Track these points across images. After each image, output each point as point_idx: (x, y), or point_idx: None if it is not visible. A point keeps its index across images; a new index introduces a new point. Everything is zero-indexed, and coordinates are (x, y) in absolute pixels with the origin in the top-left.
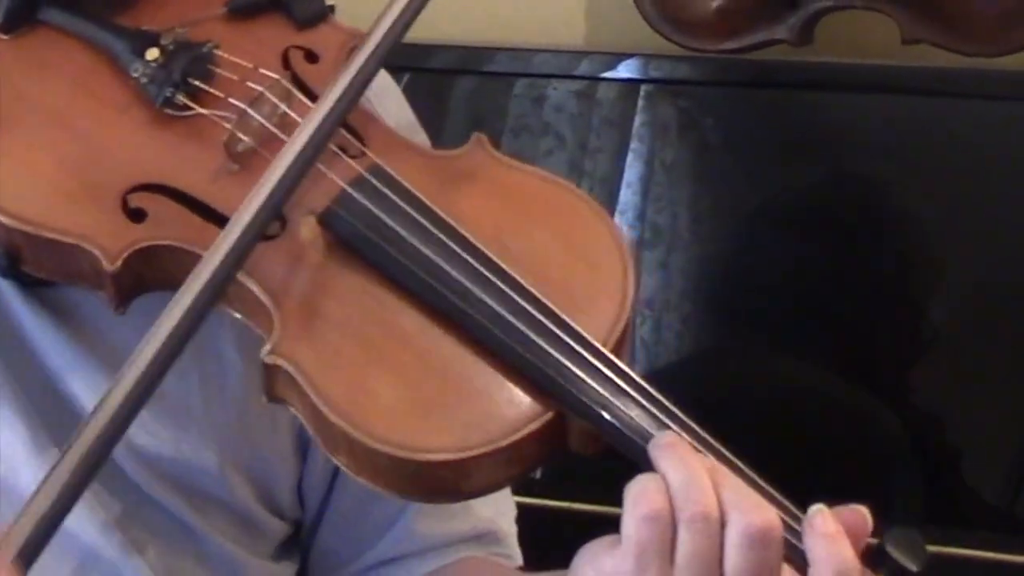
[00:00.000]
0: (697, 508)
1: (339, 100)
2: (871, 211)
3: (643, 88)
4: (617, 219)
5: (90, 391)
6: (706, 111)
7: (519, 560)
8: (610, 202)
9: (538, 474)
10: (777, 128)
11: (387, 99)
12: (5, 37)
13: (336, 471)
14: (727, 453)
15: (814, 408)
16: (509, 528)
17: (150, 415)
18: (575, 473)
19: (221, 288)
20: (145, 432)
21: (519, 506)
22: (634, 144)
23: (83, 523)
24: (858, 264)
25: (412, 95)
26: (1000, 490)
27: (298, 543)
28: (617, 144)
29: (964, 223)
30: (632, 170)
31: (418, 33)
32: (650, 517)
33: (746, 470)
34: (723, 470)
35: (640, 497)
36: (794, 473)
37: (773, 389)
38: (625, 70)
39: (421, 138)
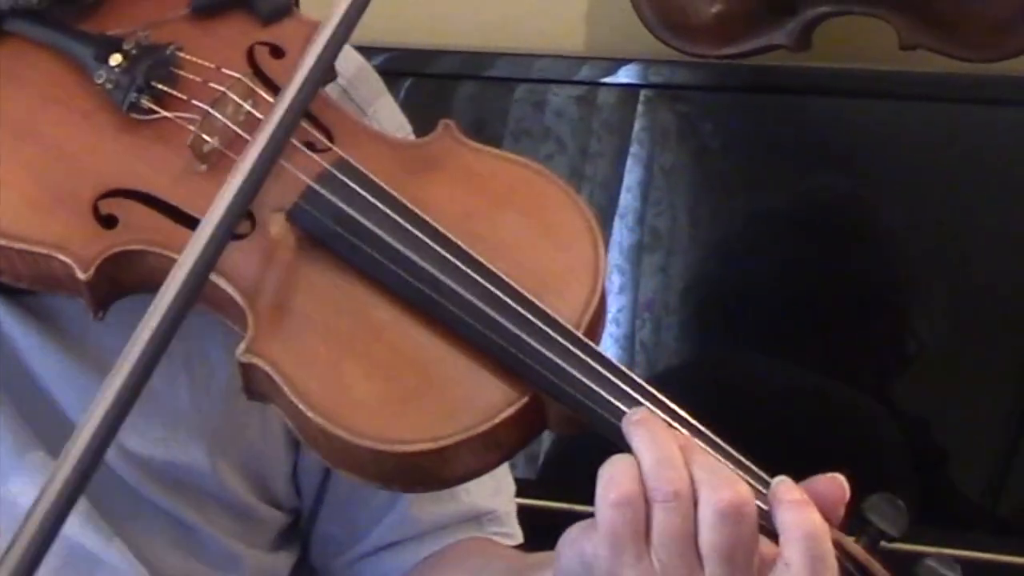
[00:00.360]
0: (669, 487)
1: (297, 95)
2: (868, 215)
3: (642, 93)
4: (617, 223)
5: (75, 395)
6: (705, 116)
7: (519, 538)
8: (610, 206)
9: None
10: (775, 133)
11: (367, 90)
12: None
13: None
14: (700, 427)
15: (806, 410)
16: (508, 507)
17: (140, 417)
18: (573, 475)
19: (196, 290)
20: (136, 434)
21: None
22: (634, 148)
23: (74, 522)
24: (853, 268)
25: (414, 100)
26: (983, 491)
27: (297, 533)
28: (617, 148)
29: (961, 226)
30: (632, 174)
31: (420, 39)
32: (620, 502)
33: (719, 442)
34: (695, 446)
35: (610, 482)
36: (785, 471)
37: (767, 390)
38: (625, 75)
39: (399, 119)
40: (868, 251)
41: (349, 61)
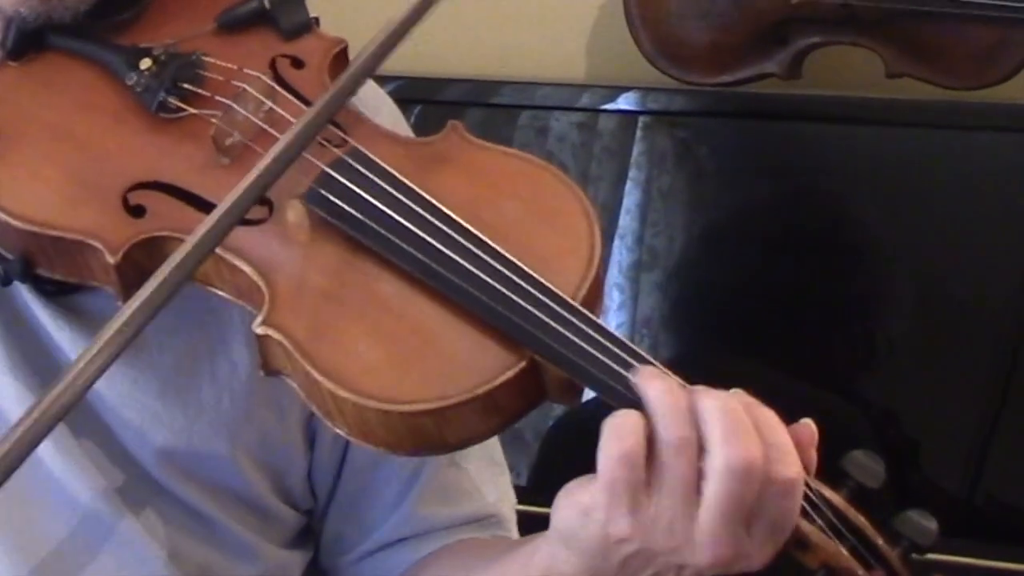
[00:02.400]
0: (681, 433)
1: (329, 101)
2: (852, 233)
3: (641, 119)
4: (617, 243)
5: (104, 384)
6: (701, 141)
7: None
8: (610, 227)
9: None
10: (768, 157)
11: (385, 114)
12: (15, 64)
13: (342, 460)
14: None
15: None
16: (510, 513)
17: (164, 407)
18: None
19: (202, 255)
20: (160, 424)
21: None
22: (632, 172)
23: (88, 491)
24: (837, 281)
25: (424, 126)
26: (952, 484)
27: (311, 534)
28: (616, 172)
29: (938, 241)
30: (631, 197)
31: (429, 68)
32: (624, 456)
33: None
34: (705, 396)
35: (614, 434)
36: None
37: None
38: (624, 102)
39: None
40: (853, 264)
41: (373, 96)
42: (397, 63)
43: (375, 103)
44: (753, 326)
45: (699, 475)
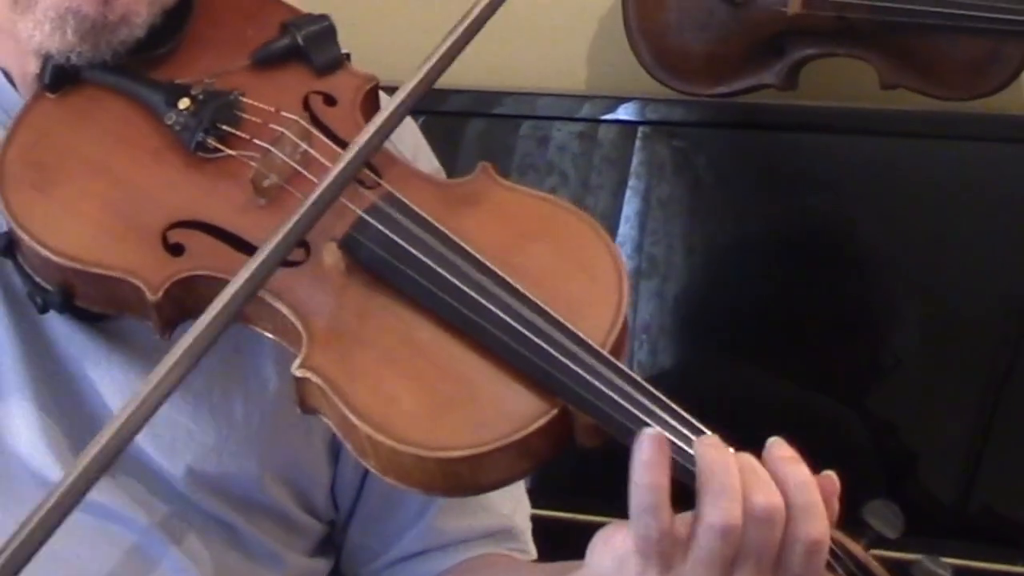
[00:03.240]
0: (725, 516)
1: (363, 147)
2: (849, 241)
3: (640, 129)
4: (623, 258)
5: None
6: (699, 151)
7: (533, 554)
8: (610, 235)
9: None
10: (765, 167)
11: (404, 136)
12: (52, 96)
13: (365, 474)
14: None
15: (793, 421)
16: (524, 524)
17: (196, 425)
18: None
19: (245, 300)
20: (191, 441)
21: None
22: (632, 182)
23: (133, 522)
24: (835, 290)
25: (427, 136)
26: (958, 498)
27: (333, 543)
28: (616, 182)
29: (934, 250)
30: (630, 206)
31: None
32: (662, 537)
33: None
34: (748, 460)
35: (654, 512)
36: None
37: (755, 405)
38: (623, 113)
39: (435, 165)
40: (848, 274)
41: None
42: (402, 75)
43: (399, 129)
44: (749, 333)
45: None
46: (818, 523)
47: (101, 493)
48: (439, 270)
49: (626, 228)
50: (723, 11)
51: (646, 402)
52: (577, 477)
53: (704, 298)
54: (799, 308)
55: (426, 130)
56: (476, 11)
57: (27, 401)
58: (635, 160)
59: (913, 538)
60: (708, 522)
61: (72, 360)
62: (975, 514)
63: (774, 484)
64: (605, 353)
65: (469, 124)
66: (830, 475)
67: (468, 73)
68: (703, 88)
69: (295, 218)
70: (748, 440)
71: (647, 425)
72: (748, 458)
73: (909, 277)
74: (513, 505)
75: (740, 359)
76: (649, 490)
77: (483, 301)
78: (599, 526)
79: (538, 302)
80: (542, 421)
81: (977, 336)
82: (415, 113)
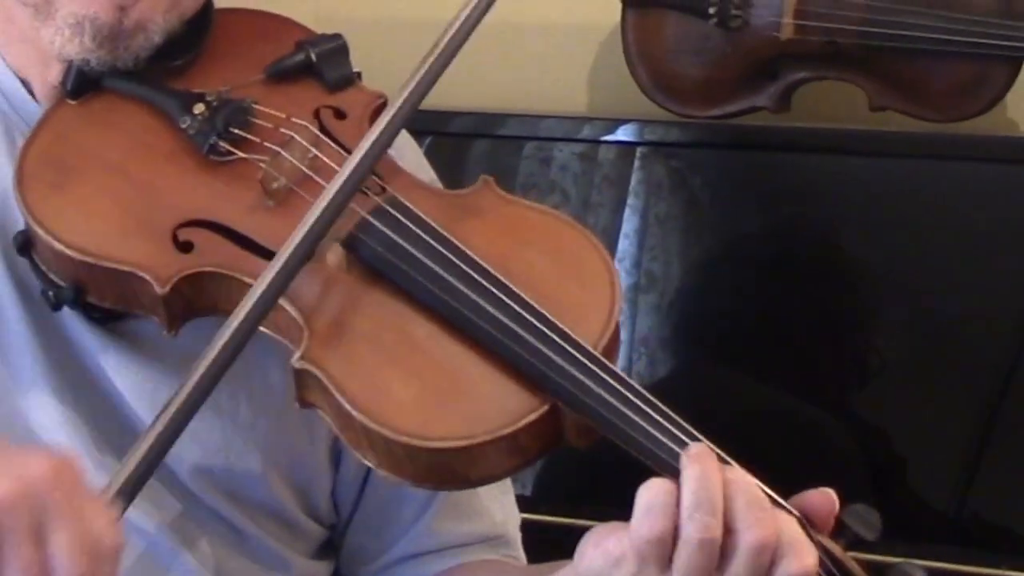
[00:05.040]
0: (705, 535)
1: (370, 149)
2: (839, 258)
3: (639, 150)
4: (616, 267)
5: (149, 407)
6: (695, 171)
7: (524, 562)
8: (609, 251)
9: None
10: (758, 186)
11: (406, 152)
12: (73, 102)
13: (364, 479)
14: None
15: (787, 430)
16: (516, 533)
17: (203, 426)
18: (574, 490)
19: (265, 311)
20: (198, 443)
21: (525, 522)
22: (631, 200)
23: (143, 522)
24: (824, 303)
25: (433, 157)
26: (944, 503)
27: (333, 544)
28: (616, 200)
29: (922, 265)
30: (629, 223)
31: (437, 100)
32: (656, 539)
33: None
34: (737, 481)
35: (648, 515)
36: (773, 489)
37: (751, 414)
38: (623, 134)
39: (435, 181)
40: (838, 287)
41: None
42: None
43: (399, 143)
44: (744, 345)
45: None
46: (806, 558)
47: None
48: (438, 270)
49: (625, 244)
50: (718, 37)
51: (636, 401)
52: (577, 484)
53: (700, 311)
54: (791, 321)
55: (433, 150)
56: (462, 18)
57: (48, 395)
58: (634, 179)
59: (901, 543)
60: (685, 538)
61: (88, 354)
62: (962, 520)
63: (766, 513)
64: (596, 353)
65: (474, 145)
66: (828, 493)
67: (474, 96)
68: (699, 110)
69: (310, 222)
70: (744, 446)
71: (636, 423)
72: (739, 481)
73: (896, 290)
74: (505, 514)
75: (735, 370)
76: (660, 487)
77: (479, 300)
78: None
79: (533, 303)
80: (532, 416)
81: (963, 348)
82: (421, 134)
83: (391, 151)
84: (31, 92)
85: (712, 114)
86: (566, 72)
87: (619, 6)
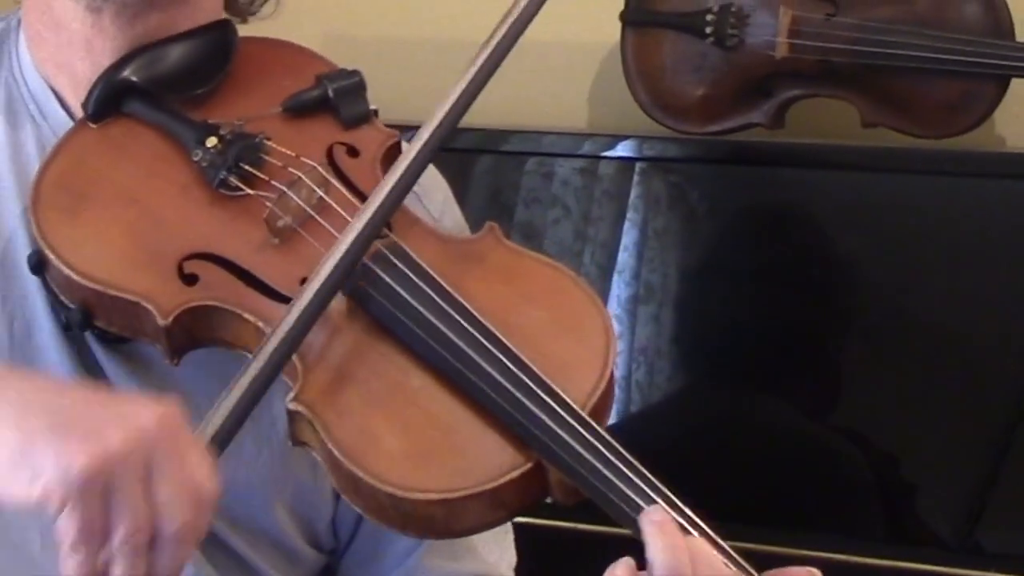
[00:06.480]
0: None
1: (384, 200)
2: (833, 271)
3: (638, 165)
4: (616, 278)
5: None
6: (693, 185)
7: None
8: (609, 263)
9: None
10: (754, 200)
11: (433, 193)
12: (94, 126)
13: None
14: (680, 505)
15: (784, 441)
16: (508, 573)
17: None
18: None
19: (282, 363)
20: None
21: (525, 526)
22: (630, 214)
23: None
24: (817, 314)
25: (439, 171)
26: (950, 516)
27: (331, 569)
28: (615, 213)
29: (916, 282)
30: (628, 236)
31: None
32: None
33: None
34: (699, 547)
35: None
36: (767, 498)
37: (746, 424)
38: (622, 150)
39: (460, 222)
40: (828, 299)
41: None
42: (413, 115)
43: (429, 183)
44: (740, 355)
45: None
46: None
47: None
48: (434, 322)
49: (625, 257)
50: (715, 55)
51: (619, 464)
52: None
53: (697, 322)
54: (786, 331)
55: (438, 165)
56: (479, 62)
57: None
58: (633, 194)
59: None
60: None
61: (107, 368)
62: (964, 529)
63: None
64: (583, 413)
65: (478, 160)
66: (812, 572)
67: (477, 112)
68: (696, 127)
69: (320, 278)
70: (739, 456)
71: (615, 485)
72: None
73: (888, 301)
74: (499, 554)
75: (731, 379)
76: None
77: (472, 354)
78: (607, 536)
79: (525, 359)
80: (515, 474)
81: (954, 359)
82: None
83: (416, 188)
84: (62, 102)
85: (709, 130)
86: (567, 90)
87: (619, 25)
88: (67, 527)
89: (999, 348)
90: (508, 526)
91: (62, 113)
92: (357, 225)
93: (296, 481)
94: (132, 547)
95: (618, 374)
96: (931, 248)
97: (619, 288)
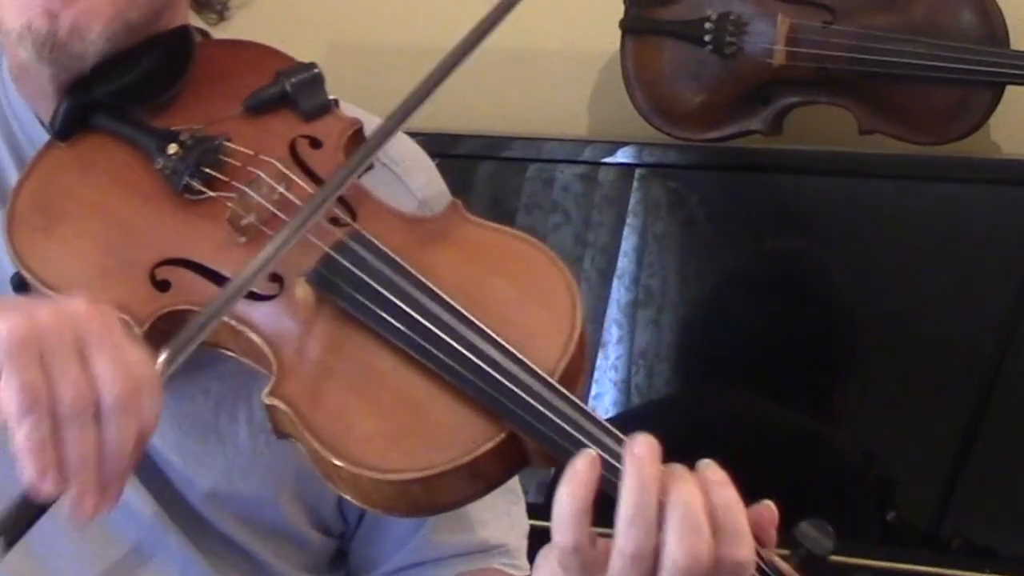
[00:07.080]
0: (635, 549)
1: (328, 188)
2: (829, 274)
3: (637, 171)
4: (615, 283)
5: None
6: (692, 191)
7: (527, 570)
8: (609, 268)
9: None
10: (752, 206)
11: (417, 173)
12: (62, 144)
13: None
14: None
15: (784, 445)
16: (519, 542)
17: (205, 451)
18: None
19: (215, 318)
20: (203, 468)
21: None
22: (630, 219)
23: (156, 551)
24: (814, 318)
25: (439, 172)
26: (927, 513)
27: (341, 559)
28: (615, 219)
29: (910, 282)
30: (628, 241)
31: (445, 124)
32: (577, 550)
33: None
34: (676, 475)
35: (569, 530)
36: (755, 491)
37: (742, 425)
38: (622, 156)
39: (434, 184)
40: (827, 303)
41: (409, 155)
42: (417, 121)
43: (410, 163)
44: (739, 358)
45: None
46: (743, 547)
47: (130, 529)
48: (399, 303)
49: (624, 262)
50: (713, 63)
51: (590, 427)
52: None
53: (696, 326)
54: (784, 335)
55: (441, 172)
56: (449, 57)
57: None
58: (632, 199)
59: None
60: (619, 548)
61: None
62: (948, 526)
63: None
64: (551, 380)
65: (480, 167)
66: (768, 504)
67: (479, 120)
68: (695, 133)
69: (260, 258)
70: (737, 458)
71: (586, 447)
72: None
73: (884, 305)
74: (509, 523)
75: (730, 382)
76: (570, 499)
77: (437, 332)
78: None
79: (490, 332)
80: (489, 445)
81: (950, 363)
82: (429, 156)
83: (397, 168)
84: (42, 121)
85: (707, 137)
86: (568, 97)
87: (618, 33)
88: (8, 394)
89: (1003, 351)
90: (519, 496)
91: (43, 133)
92: (304, 208)
93: (296, 467)
94: (77, 413)
95: (618, 377)
96: (926, 251)
97: (619, 293)
